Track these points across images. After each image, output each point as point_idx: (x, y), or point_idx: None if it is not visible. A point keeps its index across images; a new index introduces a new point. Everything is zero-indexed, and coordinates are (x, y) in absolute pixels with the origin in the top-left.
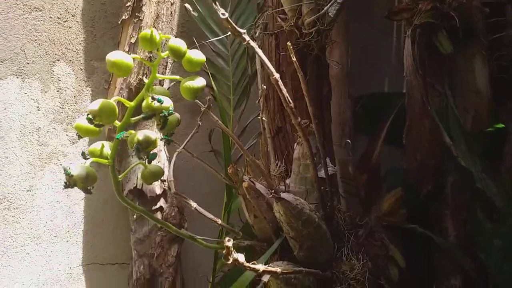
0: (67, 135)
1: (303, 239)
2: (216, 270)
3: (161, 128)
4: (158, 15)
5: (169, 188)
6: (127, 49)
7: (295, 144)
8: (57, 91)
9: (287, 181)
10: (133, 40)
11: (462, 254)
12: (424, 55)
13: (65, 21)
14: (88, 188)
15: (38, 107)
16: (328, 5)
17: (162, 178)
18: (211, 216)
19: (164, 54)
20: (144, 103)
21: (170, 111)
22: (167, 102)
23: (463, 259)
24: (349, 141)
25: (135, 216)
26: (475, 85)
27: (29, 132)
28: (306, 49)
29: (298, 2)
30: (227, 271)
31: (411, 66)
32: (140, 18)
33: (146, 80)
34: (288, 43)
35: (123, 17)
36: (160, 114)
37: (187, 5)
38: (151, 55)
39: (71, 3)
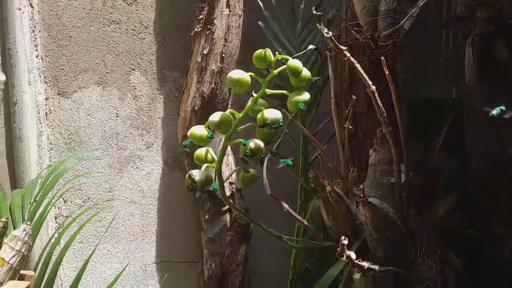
0: (142, 139)
1: (386, 240)
2: (296, 269)
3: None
4: (228, 27)
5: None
6: (199, 60)
7: (371, 150)
8: (133, 98)
9: (362, 186)
10: (205, 51)
11: None
12: (482, 63)
13: (139, 33)
14: (205, 190)
15: (117, 113)
16: (405, 19)
17: (229, 180)
18: (299, 218)
19: (276, 71)
20: (259, 116)
21: (280, 123)
22: (278, 115)
23: None
24: None
25: (207, 216)
26: None
27: (109, 137)
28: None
29: (374, 16)
30: (304, 270)
31: (472, 74)
32: (212, 30)
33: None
34: (382, 58)
35: (196, 29)
36: (273, 126)
37: (260, 22)
38: (222, 65)
39: (144, 16)
